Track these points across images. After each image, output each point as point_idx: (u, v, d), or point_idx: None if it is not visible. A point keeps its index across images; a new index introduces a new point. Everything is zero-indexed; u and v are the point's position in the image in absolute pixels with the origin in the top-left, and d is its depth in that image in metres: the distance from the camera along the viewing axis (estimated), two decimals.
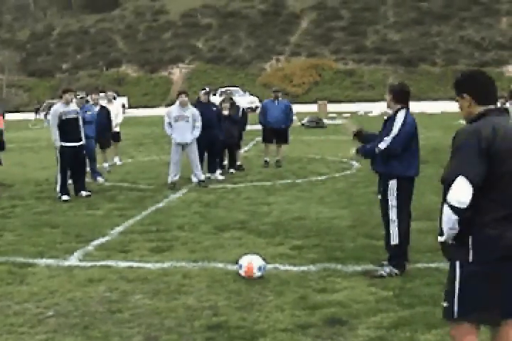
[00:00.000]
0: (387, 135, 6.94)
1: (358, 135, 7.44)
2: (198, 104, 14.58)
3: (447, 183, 3.76)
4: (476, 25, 77.95)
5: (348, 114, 45.79)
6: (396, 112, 7.07)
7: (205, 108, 14.38)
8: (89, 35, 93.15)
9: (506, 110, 4.11)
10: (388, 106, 7.25)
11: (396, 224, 7.03)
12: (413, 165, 7.06)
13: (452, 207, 3.71)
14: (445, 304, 3.97)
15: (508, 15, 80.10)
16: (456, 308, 3.88)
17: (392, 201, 7.03)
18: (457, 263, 3.89)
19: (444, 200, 3.78)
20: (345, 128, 7.28)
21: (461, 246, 3.83)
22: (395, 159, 6.97)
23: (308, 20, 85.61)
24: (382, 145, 6.93)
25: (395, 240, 7.03)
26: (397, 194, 6.99)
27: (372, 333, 5.33)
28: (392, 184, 7.02)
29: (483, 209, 3.73)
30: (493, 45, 73.65)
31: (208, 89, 15.60)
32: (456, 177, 3.70)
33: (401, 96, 7.13)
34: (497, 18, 79.93)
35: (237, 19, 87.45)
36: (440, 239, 3.91)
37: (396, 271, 6.92)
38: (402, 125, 6.92)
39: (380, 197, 7.26)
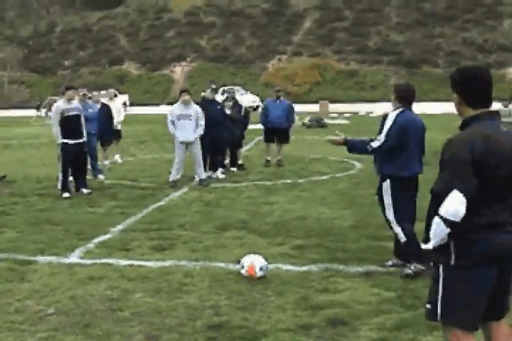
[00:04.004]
0: (380, 134, 6.98)
1: (345, 143, 7.22)
2: (203, 101, 14.55)
3: (440, 196, 3.72)
4: (479, 27, 77.83)
5: (349, 114, 45.76)
6: (393, 111, 7.08)
7: (210, 105, 14.35)
8: (92, 32, 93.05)
9: (498, 113, 4.04)
10: (393, 106, 7.21)
11: (396, 223, 7.03)
12: (407, 166, 7.00)
13: (446, 221, 3.67)
14: (428, 306, 3.97)
15: (511, 18, 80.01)
16: (439, 311, 3.88)
17: (387, 201, 7.06)
18: (440, 267, 3.88)
19: (435, 212, 3.74)
20: (331, 141, 7.22)
21: (444, 250, 3.82)
22: (387, 159, 6.97)
23: (311, 20, 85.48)
24: (375, 144, 6.94)
25: (402, 238, 7.02)
26: (391, 194, 7.00)
27: (374, 334, 5.30)
28: (386, 184, 7.06)
29: (468, 215, 3.69)
30: (496, 47, 73.51)
31: (214, 86, 15.58)
32: (450, 190, 3.67)
33: (404, 96, 7.12)
34: (500, 21, 79.78)
35: (240, 18, 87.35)
36: (426, 246, 3.88)
37: (422, 266, 6.84)
38: (393, 124, 6.91)
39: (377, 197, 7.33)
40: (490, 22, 78.64)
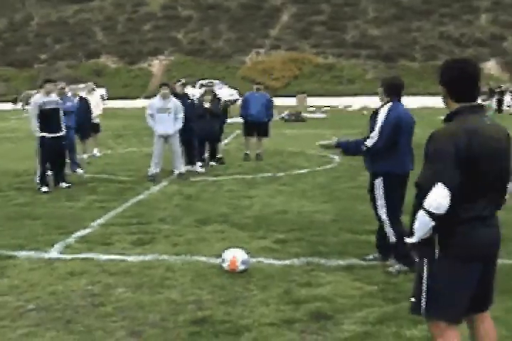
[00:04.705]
0: (373, 131, 6.79)
1: (338, 146, 7.09)
2: (173, 96, 14.48)
3: (424, 189, 3.71)
4: (456, 22, 78.20)
5: (327, 108, 45.78)
6: (382, 106, 6.91)
7: (181, 100, 14.26)
8: (69, 25, 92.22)
9: (482, 107, 4.02)
10: (381, 100, 7.04)
11: (388, 223, 6.90)
12: (401, 162, 6.84)
13: (430, 214, 3.66)
14: (412, 299, 3.97)
15: (488, 12, 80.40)
16: (423, 304, 3.88)
17: (380, 199, 6.91)
18: (424, 261, 3.88)
19: (419, 205, 3.74)
20: (323, 146, 7.15)
21: (428, 244, 3.82)
22: (380, 156, 6.79)
23: (288, 14, 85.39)
24: (369, 143, 6.77)
25: (392, 238, 6.91)
26: (384, 192, 6.86)
27: (358, 328, 5.30)
28: (379, 182, 6.90)
29: (452, 209, 3.67)
30: (473, 42, 73.92)
31: (183, 80, 15.53)
32: (433, 183, 3.66)
33: (392, 89, 6.96)
34: (476, 15, 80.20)
35: (217, 12, 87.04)
36: (410, 240, 3.87)
37: (405, 268, 6.77)
38: (385, 119, 6.73)
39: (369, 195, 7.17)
40: (466, 16, 79.07)
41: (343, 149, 7.05)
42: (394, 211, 6.90)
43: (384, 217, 6.92)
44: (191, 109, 14.74)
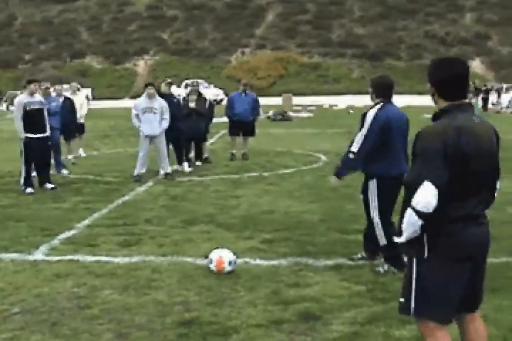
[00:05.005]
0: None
1: (341, 176, 6.91)
2: (159, 95, 14.39)
3: (412, 187, 3.68)
4: (441, 21, 78.53)
5: (313, 107, 45.78)
6: (372, 107, 6.78)
7: (167, 100, 14.20)
8: (53, 25, 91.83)
9: (471, 105, 3.98)
10: (372, 100, 6.91)
11: (380, 226, 6.77)
12: (395, 164, 6.65)
13: (418, 212, 3.63)
14: (402, 299, 3.93)
15: (472, 11, 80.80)
16: (412, 304, 3.84)
17: (373, 201, 6.78)
18: (413, 260, 3.84)
19: (408, 204, 3.70)
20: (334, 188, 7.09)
21: (417, 243, 3.78)
22: (373, 157, 6.63)
23: (274, 14, 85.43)
24: (355, 148, 6.63)
25: (382, 241, 6.79)
26: (377, 194, 6.73)
27: (346, 328, 5.26)
28: (372, 184, 6.78)
29: (442, 208, 3.64)
30: (458, 41, 74.28)
31: (169, 80, 15.44)
32: (421, 181, 3.62)
33: (381, 90, 6.84)
34: (461, 14, 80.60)
35: (203, 11, 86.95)
36: (399, 239, 3.84)
37: (394, 270, 6.68)
38: (372, 121, 6.57)
39: (361, 196, 7.04)
40: (451, 15, 79.46)
41: (343, 173, 6.89)
42: (387, 213, 6.76)
43: (376, 219, 6.80)
44: (178, 109, 14.67)
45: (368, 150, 6.62)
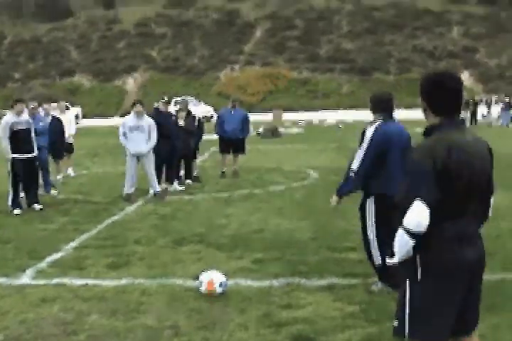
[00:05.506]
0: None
1: (342, 196, 6.84)
2: (156, 114, 14.29)
3: (403, 207, 3.59)
4: (429, 35, 79.08)
5: (303, 123, 45.75)
6: (371, 124, 6.65)
7: (164, 118, 14.10)
8: (42, 44, 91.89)
9: (463, 121, 3.87)
10: (373, 117, 6.77)
11: (376, 246, 6.63)
12: (394, 182, 6.22)
13: (410, 232, 3.54)
14: (396, 323, 3.82)
15: (459, 25, 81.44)
16: (407, 327, 3.74)
17: (370, 220, 6.65)
18: (407, 282, 3.74)
19: (399, 224, 3.60)
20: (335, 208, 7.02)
21: (410, 264, 3.70)
22: (372, 175, 6.50)
23: (262, 30, 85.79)
24: (355, 165, 6.56)
25: (377, 261, 6.65)
26: (374, 212, 6.60)
27: None
28: (370, 201, 6.65)
29: (434, 228, 3.55)
30: (446, 54, 74.73)
31: (166, 98, 15.34)
32: (412, 200, 3.53)
33: (381, 106, 6.71)
34: (448, 28, 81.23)
35: (191, 28, 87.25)
36: (391, 260, 3.75)
37: (389, 289, 6.51)
38: (372, 138, 6.48)
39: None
40: (439, 29, 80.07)
41: (347, 192, 6.80)
42: (383, 232, 6.53)
43: (371, 237, 6.67)
44: (174, 128, 14.56)
45: (367, 168, 6.51)
